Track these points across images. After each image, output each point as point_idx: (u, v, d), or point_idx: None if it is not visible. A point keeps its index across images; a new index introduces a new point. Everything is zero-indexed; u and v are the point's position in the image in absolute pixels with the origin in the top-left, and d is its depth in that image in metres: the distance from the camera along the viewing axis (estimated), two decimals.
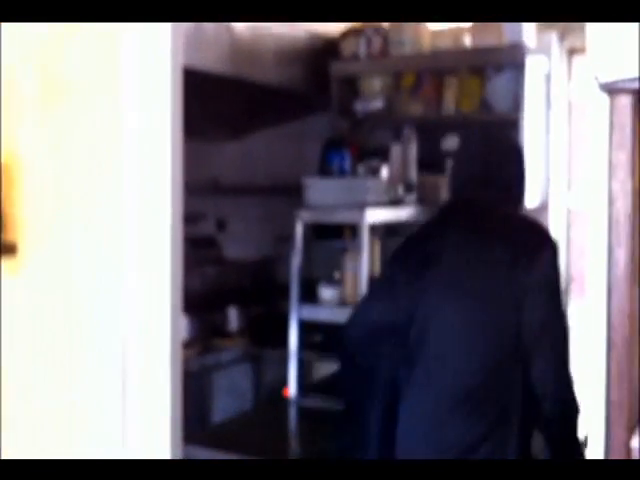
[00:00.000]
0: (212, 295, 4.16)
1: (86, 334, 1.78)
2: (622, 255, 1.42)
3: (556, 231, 4.15)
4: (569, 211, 4.34)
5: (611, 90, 1.45)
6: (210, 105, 3.99)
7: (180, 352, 1.60)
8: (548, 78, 4.09)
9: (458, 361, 1.94)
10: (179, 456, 1.65)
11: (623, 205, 1.40)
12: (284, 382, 3.17)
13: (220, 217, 4.56)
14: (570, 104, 4.30)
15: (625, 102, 1.43)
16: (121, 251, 1.67)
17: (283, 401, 3.13)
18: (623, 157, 1.40)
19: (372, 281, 2.85)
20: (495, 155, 2.13)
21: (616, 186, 1.41)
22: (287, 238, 3.12)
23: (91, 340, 1.77)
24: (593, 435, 1.22)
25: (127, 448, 1.67)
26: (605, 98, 1.50)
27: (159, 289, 1.59)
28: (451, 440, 1.92)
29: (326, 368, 3.78)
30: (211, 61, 3.41)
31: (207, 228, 4.46)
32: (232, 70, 3.50)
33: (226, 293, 4.18)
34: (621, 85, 1.43)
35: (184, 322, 3.57)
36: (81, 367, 1.79)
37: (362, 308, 2.11)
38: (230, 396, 3.67)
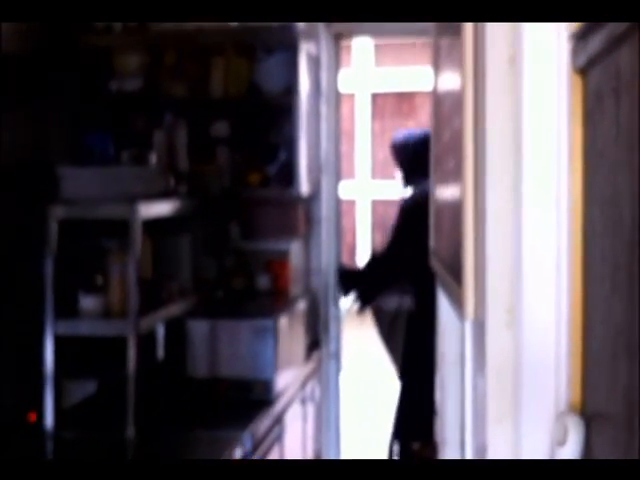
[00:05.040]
0: None
1: None
2: None
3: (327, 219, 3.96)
4: (339, 200, 4.17)
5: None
6: None
7: None
8: (317, 63, 3.89)
9: None
10: None
11: None
12: (22, 400, 2.63)
13: None
14: (338, 92, 4.14)
15: None
16: None
17: (29, 428, 2.62)
18: None
19: None
20: None
21: None
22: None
23: None
24: None
25: None
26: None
27: None
28: None
29: (79, 391, 3.24)
30: None
31: None
32: None
33: None
34: None
35: None
36: None
37: None
38: None
